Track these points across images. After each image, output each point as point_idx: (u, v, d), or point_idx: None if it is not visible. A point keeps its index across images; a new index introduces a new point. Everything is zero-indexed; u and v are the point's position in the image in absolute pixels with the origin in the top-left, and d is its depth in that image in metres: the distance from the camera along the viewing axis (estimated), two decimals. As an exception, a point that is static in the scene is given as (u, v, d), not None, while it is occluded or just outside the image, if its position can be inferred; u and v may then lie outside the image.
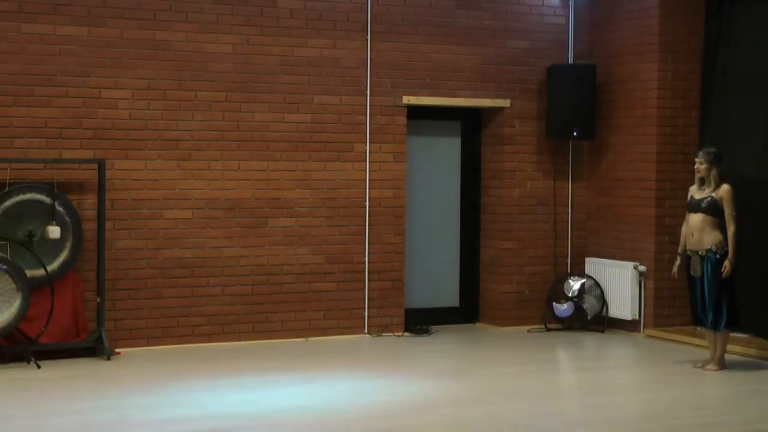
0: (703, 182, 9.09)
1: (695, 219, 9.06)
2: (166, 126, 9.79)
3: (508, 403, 8.01)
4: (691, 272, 9.10)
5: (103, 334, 9.25)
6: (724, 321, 9.02)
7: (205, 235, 9.95)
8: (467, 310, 11.46)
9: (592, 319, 11.00)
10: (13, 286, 8.89)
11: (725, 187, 8.99)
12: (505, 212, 11.17)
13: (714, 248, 8.97)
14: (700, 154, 9.13)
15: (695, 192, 9.15)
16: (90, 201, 9.47)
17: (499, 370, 9.14)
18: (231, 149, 10.02)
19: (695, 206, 9.08)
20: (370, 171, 10.53)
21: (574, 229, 11.35)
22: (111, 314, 9.53)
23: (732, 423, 7.48)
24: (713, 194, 8.98)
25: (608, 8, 11.17)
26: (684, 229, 9.22)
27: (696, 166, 9.11)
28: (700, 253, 9.03)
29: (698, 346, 10.11)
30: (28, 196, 9.13)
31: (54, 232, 9.10)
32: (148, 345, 9.73)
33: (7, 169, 9.09)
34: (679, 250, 9.29)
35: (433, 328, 10.89)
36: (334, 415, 7.59)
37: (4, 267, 8.88)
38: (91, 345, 9.31)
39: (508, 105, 11.08)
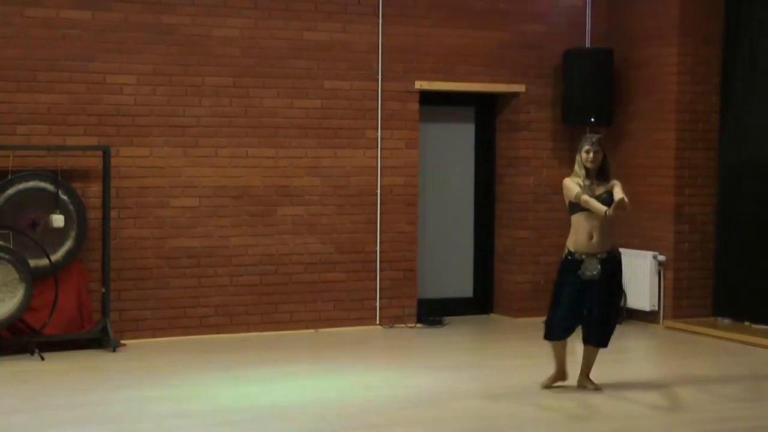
0: (588, 173, 7.80)
1: (598, 218, 7.72)
2: (172, 112, 9.71)
3: (523, 395, 7.91)
4: (588, 274, 7.77)
5: (108, 325, 9.20)
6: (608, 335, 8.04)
7: (212, 223, 9.87)
8: (481, 301, 11.39)
9: (609, 310, 10.88)
10: (17, 276, 8.83)
11: (616, 180, 7.86)
12: (520, 200, 11.07)
13: (616, 251, 7.87)
14: (594, 140, 7.84)
15: (588, 186, 7.79)
16: (95, 189, 9.40)
17: (513, 362, 9.06)
18: (239, 136, 9.93)
19: (601, 203, 7.72)
20: (381, 158, 10.43)
21: (591, 217, 11.23)
22: (116, 305, 9.45)
23: (753, 417, 7.40)
24: (607, 187, 7.78)
25: (626, -9, 11.07)
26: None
27: (592, 156, 7.77)
28: (599, 255, 7.76)
29: (719, 338, 10.05)
30: (32, 184, 9.07)
31: (58, 220, 9.04)
32: (154, 336, 9.67)
33: (9, 156, 9.02)
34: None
35: (447, 319, 10.83)
36: (344, 407, 7.51)
37: (7, 257, 8.81)
38: (96, 336, 9.26)
39: (524, 90, 10.97)
